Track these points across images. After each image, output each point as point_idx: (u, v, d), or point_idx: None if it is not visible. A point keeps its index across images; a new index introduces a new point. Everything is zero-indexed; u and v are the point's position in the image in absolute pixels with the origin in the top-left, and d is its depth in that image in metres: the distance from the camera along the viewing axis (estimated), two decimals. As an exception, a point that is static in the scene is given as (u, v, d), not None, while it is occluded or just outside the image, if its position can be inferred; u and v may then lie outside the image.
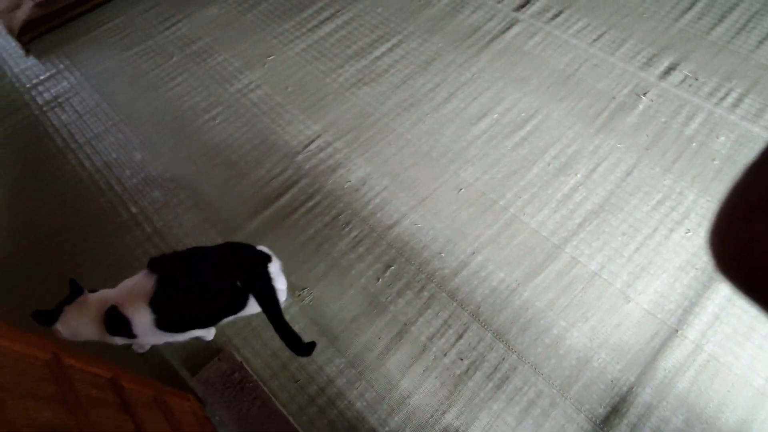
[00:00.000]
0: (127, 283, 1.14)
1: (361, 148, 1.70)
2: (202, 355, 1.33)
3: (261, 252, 1.20)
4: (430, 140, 1.69)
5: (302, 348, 1.12)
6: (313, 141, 1.73)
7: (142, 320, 1.08)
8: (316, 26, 2.09)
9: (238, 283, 1.12)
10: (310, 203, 1.59)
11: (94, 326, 1.08)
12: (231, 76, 1.97)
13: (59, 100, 1.98)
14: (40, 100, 1.98)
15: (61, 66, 2.11)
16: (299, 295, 1.41)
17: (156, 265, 1.12)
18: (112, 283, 1.46)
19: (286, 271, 1.43)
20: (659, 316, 1.29)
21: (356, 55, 1.97)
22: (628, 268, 1.37)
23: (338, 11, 2.13)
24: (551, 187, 1.55)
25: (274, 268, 1.18)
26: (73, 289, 1.11)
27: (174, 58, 2.07)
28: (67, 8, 2.26)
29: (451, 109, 1.76)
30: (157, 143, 1.80)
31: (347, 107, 1.81)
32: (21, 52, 2.19)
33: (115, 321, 1.07)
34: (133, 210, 1.63)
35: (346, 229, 1.52)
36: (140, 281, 1.11)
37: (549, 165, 1.59)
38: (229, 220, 1.58)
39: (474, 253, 1.44)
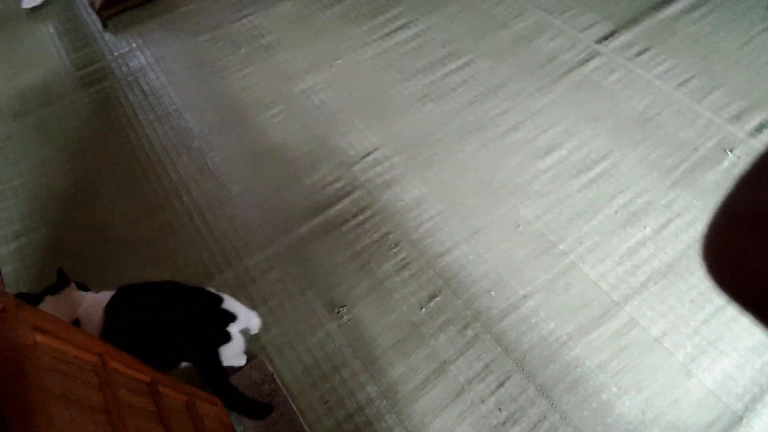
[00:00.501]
0: (98, 297, 1.08)
1: (419, 166, 1.65)
2: (234, 359, 1.31)
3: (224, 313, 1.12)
4: (492, 169, 1.62)
5: (256, 411, 1.09)
6: (370, 153, 1.69)
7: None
8: (387, 34, 2.05)
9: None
10: (361, 217, 1.55)
11: None
12: (296, 75, 1.95)
13: (128, 79, 2.01)
14: (118, 74, 2.03)
15: (134, 45, 2.14)
16: (338, 312, 1.37)
17: (118, 292, 1.07)
18: (150, 273, 1.47)
19: (327, 285, 1.41)
20: (724, 399, 1.18)
21: (425, 69, 1.91)
22: (694, 340, 1.27)
23: (411, 21, 2.08)
24: (617, 237, 1.45)
25: (235, 329, 1.11)
26: (60, 279, 1.08)
27: (242, 50, 2.07)
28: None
29: (517, 138, 1.69)
30: (216, 134, 1.80)
31: (410, 122, 1.76)
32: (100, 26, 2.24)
33: None
34: (185, 199, 1.63)
35: (394, 250, 1.47)
36: (102, 302, 1.05)
37: (616, 213, 1.50)
38: (279, 222, 1.55)
39: (526, 297, 1.36)
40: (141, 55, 2.10)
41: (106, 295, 1.08)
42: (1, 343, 0.56)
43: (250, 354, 1.31)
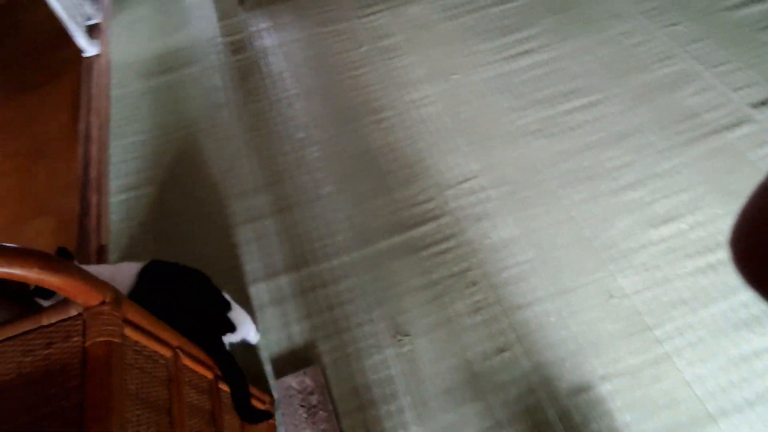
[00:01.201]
0: (120, 267, 1.12)
1: (516, 205, 1.55)
2: (291, 359, 1.33)
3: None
4: (597, 226, 1.48)
5: (252, 415, 1.04)
6: (468, 180, 1.62)
7: None
8: (512, 56, 1.94)
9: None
10: (444, 245, 1.49)
11: None
12: (410, 83, 1.91)
13: (252, 59, 2.10)
14: (248, 50, 2.13)
15: (262, 26, 2.23)
16: (400, 340, 1.33)
17: (146, 268, 1.10)
18: (224, 258, 1.52)
19: (396, 309, 1.37)
20: None
21: (545, 101, 1.79)
22: (801, 488, 1.07)
23: (542, 47, 1.95)
24: (727, 339, 1.27)
25: (230, 339, 1.11)
26: (62, 255, 1.10)
27: (363, 48, 2.07)
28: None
29: (632, 198, 1.53)
30: (320, 128, 1.82)
31: (516, 155, 1.66)
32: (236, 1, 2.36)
33: None
34: (276, 188, 1.68)
35: (471, 289, 1.40)
36: (123, 273, 1.08)
37: (733, 311, 1.30)
38: (361, 231, 1.54)
39: (604, 378, 1.24)
40: (267, 36, 2.18)
41: (126, 266, 1.12)
42: (95, 337, 0.58)
43: (308, 358, 1.32)
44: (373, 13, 2.20)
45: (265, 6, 2.32)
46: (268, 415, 1.08)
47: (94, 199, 1.74)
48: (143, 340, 0.68)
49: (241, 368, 1.00)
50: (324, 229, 1.56)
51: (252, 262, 1.52)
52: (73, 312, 0.61)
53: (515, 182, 1.60)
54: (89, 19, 2.37)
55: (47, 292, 1.06)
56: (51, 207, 1.78)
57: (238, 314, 1.17)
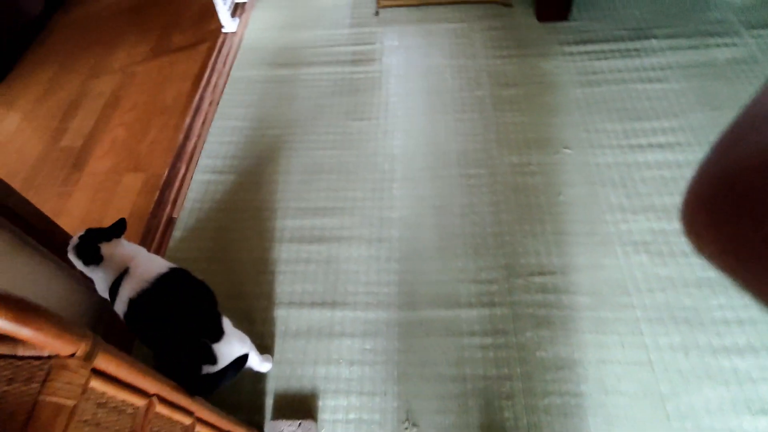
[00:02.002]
0: (151, 257, 1.15)
1: (588, 324, 1.34)
2: (293, 402, 1.27)
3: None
4: (678, 385, 1.22)
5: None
6: (543, 274, 1.43)
7: (119, 302, 1.08)
8: (640, 146, 1.68)
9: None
10: (491, 340, 1.33)
11: (106, 279, 1.10)
12: (515, 144, 1.75)
13: (368, 75, 2.06)
14: (364, 64, 2.11)
15: (389, 43, 2.18)
16: (407, 429, 1.21)
17: (168, 274, 1.10)
18: (265, 279, 1.49)
19: (413, 391, 1.25)
20: None
21: (662, 210, 1.53)
22: None
23: (679, 144, 1.67)
24: None
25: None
26: (117, 228, 1.16)
27: (479, 91, 1.94)
28: (430, -7, 2.31)
29: (735, 367, 1.24)
30: (407, 164, 1.74)
31: (607, 264, 1.44)
32: (371, 10, 2.34)
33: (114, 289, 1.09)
34: (348, 216, 1.62)
35: (503, 403, 1.23)
36: (151, 267, 1.10)
37: None
38: (409, 290, 1.44)
39: None
40: (391, 55, 2.13)
41: (156, 260, 1.15)
42: (49, 394, 0.55)
43: (308, 409, 1.26)
44: (503, 57, 2.05)
45: (399, 24, 2.27)
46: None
47: (181, 171, 1.83)
48: (112, 391, 0.65)
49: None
50: (372, 274, 1.48)
51: (288, 284, 1.49)
52: (46, 352, 0.59)
53: (596, 296, 1.38)
54: (237, -2, 2.50)
55: (91, 258, 1.11)
56: (146, 167, 1.90)
57: (228, 346, 1.11)
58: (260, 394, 1.29)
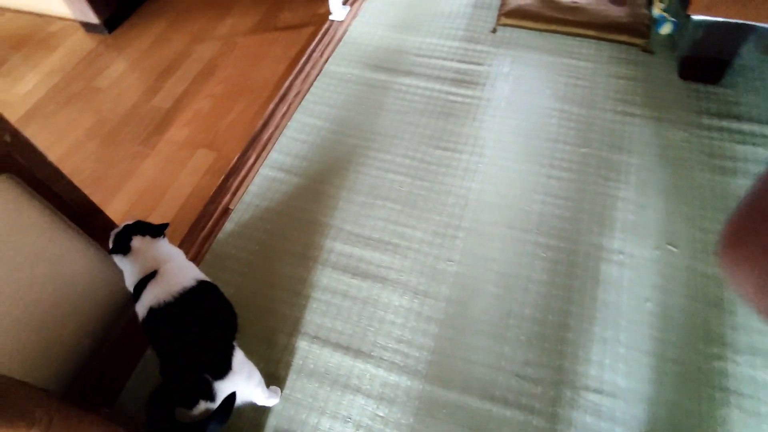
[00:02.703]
0: (186, 265, 1.13)
1: (640, 470, 1.12)
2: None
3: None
4: None
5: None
6: (600, 392, 1.22)
7: (141, 305, 1.04)
8: None
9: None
10: (516, 451, 1.15)
11: (133, 274, 1.07)
12: (610, 224, 1.50)
13: (467, 99, 1.88)
14: (466, 86, 1.93)
15: (501, 68, 1.97)
16: None
17: (197, 287, 1.08)
18: (294, 301, 1.39)
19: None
20: None
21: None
22: None
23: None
24: None
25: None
26: (158, 228, 1.12)
27: (585, 149, 1.68)
28: (555, 20, 2.05)
29: None
30: (482, 213, 1.56)
31: (683, 405, 1.19)
32: (488, 27, 2.13)
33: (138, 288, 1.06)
34: (389, 255, 1.49)
35: None
36: (185, 276, 1.08)
37: None
38: (442, 363, 1.29)
39: None
40: (500, 82, 1.92)
41: (187, 270, 1.11)
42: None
43: (300, 462, 1.17)
44: (625, 113, 1.77)
45: (516, 48, 2.05)
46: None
47: (251, 160, 1.79)
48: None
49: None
50: (407, 331, 1.35)
51: (319, 315, 1.39)
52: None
53: (674, 426, 1.15)
54: (354, -15, 2.39)
55: (119, 246, 1.08)
56: (219, 146, 1.88)
57: (231, 384, 1.03)
58: (259, 426, 1.23)
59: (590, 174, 1.62)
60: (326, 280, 1.47)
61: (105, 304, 1.20)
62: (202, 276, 1.15)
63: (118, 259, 1.10)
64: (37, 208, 0.96)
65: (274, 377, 1.30)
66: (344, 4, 2.31)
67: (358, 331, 1.36)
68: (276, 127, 1.88)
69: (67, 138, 1.96)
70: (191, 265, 1.19)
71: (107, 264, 1.04)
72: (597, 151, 1.67)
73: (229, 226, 1.62)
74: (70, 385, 1.15)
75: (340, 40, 2.17)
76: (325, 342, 1.35)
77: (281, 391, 1.27)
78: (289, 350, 1.34)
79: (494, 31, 2.12)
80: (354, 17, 2.27)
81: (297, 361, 1.32)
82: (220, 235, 1.60)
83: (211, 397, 0.99)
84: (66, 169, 1.83)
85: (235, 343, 1.11)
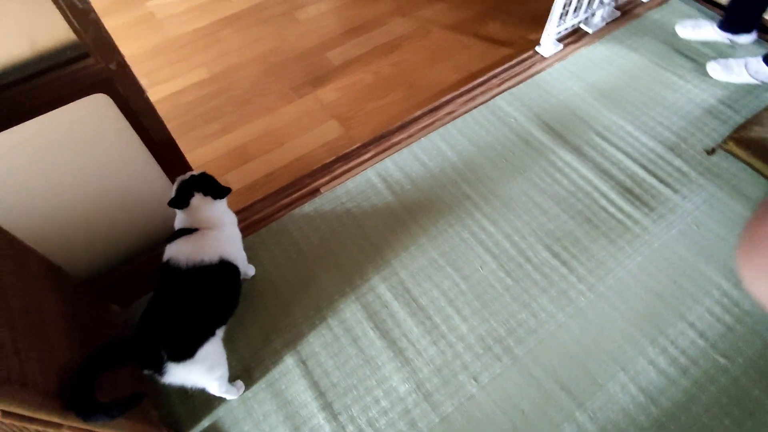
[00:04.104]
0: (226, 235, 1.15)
1: None
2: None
3: None
4: None
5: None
6: None
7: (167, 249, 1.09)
8: None
9: None
10: None
11: (178, 222, 1.13)
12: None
13: (630, 220, 1.53)
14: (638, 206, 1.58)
15: (698, 195, 1.55)
16: None
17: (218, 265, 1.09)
18: (305, 316, 1.31)
19: None
20: None
21: None
22: None
23: None
24: None
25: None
26: (222, 191, 1.14)
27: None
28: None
29: None
30: (557, 361, 1.29)
31: None
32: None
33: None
34: (406, 317, 1.32)
35: None
36: (212, 249, 1.09)
37: None
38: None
39: None
40: (681, 222, 1.52)
41: (224, 243, 1.13)
42: None
43: (213, 467, 1.16)
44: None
45: (725, 185, 1.58)
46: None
47: (366, 155, 1.72)
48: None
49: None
50: (383, 420, 1.21)
51: (320, 344, 1.32)
52: None
53: None
54: (583, 21, 2.06)
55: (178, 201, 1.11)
56: (351, 125, 1.84)
57: (185, 372, 1.01)
58: (205, 407, 1.24)
59: (712, 400, 1.21)
60: (349, 314, 1.37)
61: (151, 228, 1.29)
62: (231, 257, 1.14)
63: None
64: (124, 131, 1.02)
65: (248, 374, 1.28)
66: (559, 41, 2.01)
67: (342, 385, 1.26)
68: (408, 136, 1.76)
69: (244, 52, 2.11)
70: (232, 239, 1.19)
71: (166, 197, 1.09)
72: (741, 374, 1.24)
73: (308, 207, 1.60)
74: (98, 278, 1.27)
75: (529, 76, 1.91)
76: (308, 373, 1.28)
77: (243, 391, 1.26)
78: (275, 359, 1.31)
79: (711, 152, 1.66)
80: (560, 59, 1.97)
81: (275, 374, 1.29)
82: (296, 210, 1.59)
83: (160, 371, 0.99)
84: (220, 82, 1.99)
85: (217, 332, 1.10)
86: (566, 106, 1.81)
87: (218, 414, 1.23)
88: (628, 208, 1.54)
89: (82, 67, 0.87)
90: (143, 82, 2.03)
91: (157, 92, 1.99)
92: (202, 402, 1.24)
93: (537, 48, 2.01)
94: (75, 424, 0.85)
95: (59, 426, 0.82)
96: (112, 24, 2.24)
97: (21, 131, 0.89)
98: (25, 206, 1.02)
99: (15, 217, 1.01)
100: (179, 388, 1.08)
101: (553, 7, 1.85)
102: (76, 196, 1.08)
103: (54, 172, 1.00)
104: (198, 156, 1.78)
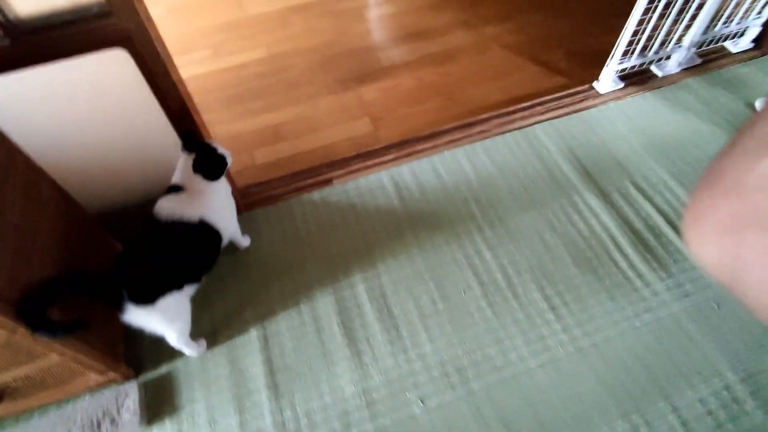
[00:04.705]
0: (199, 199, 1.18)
1: None
2: (158, 388, 1.26)
3: None
4: None
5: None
6: None
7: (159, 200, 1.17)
8: None
9: None
10: None
11: (175, 178, 1.19)
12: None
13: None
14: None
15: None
16: None
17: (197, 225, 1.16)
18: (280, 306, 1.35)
19: None
20: None
21: None
22: None
23: None
24: None
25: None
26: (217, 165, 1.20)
27: None
28: None
29: None
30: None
31: None
32: None
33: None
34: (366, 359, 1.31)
35: None
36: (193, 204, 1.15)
37: None
38: (310, 470, 1.14)
39: None
40: (691, 291, 1.38)
41: (208, 205, 1.18)
42: None
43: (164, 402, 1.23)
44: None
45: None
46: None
47: (387, 156, 1.73)
48: None
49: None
50: (318, 414, 1.21)
51: (284, 321, 1.35)
52: None
53: None
54: (655, 62, 1.91)
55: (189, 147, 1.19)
56: (380, 126, 1.86)
57: (144, 317, 1.08)
58: (162, 353, 1.32)
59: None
60: (322, 305, 1.40)
61: (164, 179, 1.38)
62: (213, 221, 1.20)
63: (181, 160, 1.22)
64: (141, 87, 1.12)
65: (214, 335, 1.35)
66: (621, 78, 1.89)
67: (294, 369, 1.29)
68: (433, 147, 1.75)
69: (304, 40, 2.20)
70: (218, 204, 1.24)
71: (175, 153, 1.19)
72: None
73: (317, 195, 1.64)
74: (109, 213, 1.40)
75: (577, 110, 1.82)
76: (266, 349, 1.32)
77: (204, 351, 1.32)
78: (242, 328, 1.36)
79: None
80: (616, 99, 1.84)
81: (237, 341, 1.34)
82: (305, 196, 1.64)
83: (120, 309, 1.07)
84: (275, 63, 2.09)
85: (186, 288, 1.17)
86: (607, 147, 1.70)
87: (177, 365, 1.31)
88: (642, 267, 1.42)
89: (106, 24, 0.97)
90: (207, 52, 2.18)
91: (218, 62, 2.13)
92: (167, 350, 1.32)
93: (594, 83, 1.90)
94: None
95: (14, 330, 0.92)
96: (202, -5, 2.44)
97: (55, 70, 1.01)
98: (51, 137, 1.16)
99: (40, 145, 1.14)
100: (153, 335, 1.17)
101: (618, 42, 1.74)
102: (95, 135, 1.20)
103: (78, 111, 1.13)
104: (237, 127, 1.89)
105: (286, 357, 1.31)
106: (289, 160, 1.77)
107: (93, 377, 1.20)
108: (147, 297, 1.08)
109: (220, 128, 1.89)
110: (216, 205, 1.24)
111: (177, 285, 1.14)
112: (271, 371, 1.29)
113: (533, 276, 1.42)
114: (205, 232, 1.19)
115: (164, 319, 1.14)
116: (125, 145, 1.25)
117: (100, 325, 1.20)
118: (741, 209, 0.28)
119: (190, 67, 2.12)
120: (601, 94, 1.87)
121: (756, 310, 0.28)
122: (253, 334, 1.35)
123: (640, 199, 1.56)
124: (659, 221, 1.50)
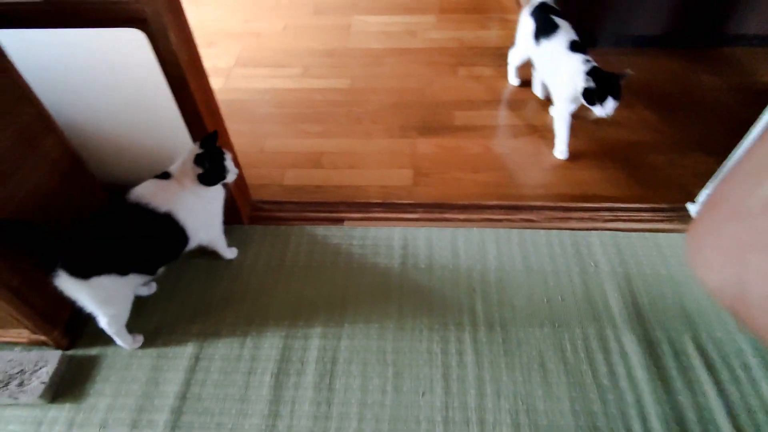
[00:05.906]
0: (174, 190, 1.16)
1: None
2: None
3: None
4: None
5: None
6: None
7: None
8: None
9: None
10: None
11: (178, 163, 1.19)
12: None
13: None
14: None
15: None
16: None
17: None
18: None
19: None
20: None
21: None
22: None
23: None
24: None
25: None
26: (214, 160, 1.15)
27: None
28: None
29: None
30: None
31: None
32: None
33: None
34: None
35: None
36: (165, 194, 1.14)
37: None
38: None
39: None
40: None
41: (180, 199, 1.14)
42: None
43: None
44: None
45: None
46: None
47: (405, 216, 1.57)
48: None
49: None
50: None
51: (222, 349, 1.23)
52: None
53: None
54: None
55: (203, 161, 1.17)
56: (421, 181, 1.71)
57: (79, 291, 1.05)
58: (106, 342, 1.27)
59: None
60: (267, 346, 1.26)
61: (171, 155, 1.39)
62: (182, 219, 1.15)
63: (188, 150, 1.20)
64: (155, 70, 1.13)
65: (154, 335, 1.28)
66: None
67: (206, 403, 1.16)
68: (464, 219, 1.55)
69: (389, 81, 2.17)
70: (197, 206, 1.19)
71: (182, 141, 1.19)
72: None
73: (322, 230, 1.54)
74: (115, 183, 1.45)
75: (653, 230, 1.48)
76: (191, 371, 1.21)
77: (138, 347, 1.26)
78: (182, 339, 1.28)
79: None
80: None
81: (170, 351, 1.26)
82: (309, 228, 1.55)
83: (50, 272, 1.04)
84: (352, 96, 2.08)
85: (132, 276, 1.13)
86: (676, 286, 1.34)
87: (107, 352, 1.26)
88: None
89: (126, 2, 1.00)
90: (298, 70, 2.25)
91: (302, 82, 2.19)
92: (107, 336, 1.28)
93: (688, 204, 1.54)
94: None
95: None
96: (315, 22, 2.57)
97: (75, 35, 1.07)
98: (68, 99, 1.22)
99: (56, 102, 1.20)
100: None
101: (722, 166, 1.40)
102: (109, 107, 1.25)
103: (94, 79, 1.18)
104: (286, 143, 1.89)
105: (205, 387, 1.19)
106: (315, 188, 1.70)
107: (25, 333, 1.20)
108: (81, 270, 1.05)
109: (270, 140, 1.91)
110: (193, 207, 1.19)
111: (120, 269, 1.10)
112: (183, 396, 1.17)
113: (513, 409, 1.12)
114: (168, 226, 1.14)
115: (95, 298, 1.10)
116: (136, 123, 1.29)
117: (47, 286, 1.19)
118: (743, 233, 0.29)
119: (278, 80, 2.20)
120: (692, 219, 1.50)
121: (760, 332, 0.29)
122: (189, 350, 1.26)
123: (697, 362, 1.18)
124: (715, 403, 1.11)
